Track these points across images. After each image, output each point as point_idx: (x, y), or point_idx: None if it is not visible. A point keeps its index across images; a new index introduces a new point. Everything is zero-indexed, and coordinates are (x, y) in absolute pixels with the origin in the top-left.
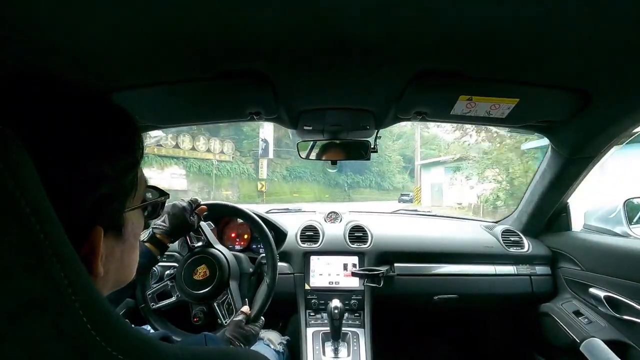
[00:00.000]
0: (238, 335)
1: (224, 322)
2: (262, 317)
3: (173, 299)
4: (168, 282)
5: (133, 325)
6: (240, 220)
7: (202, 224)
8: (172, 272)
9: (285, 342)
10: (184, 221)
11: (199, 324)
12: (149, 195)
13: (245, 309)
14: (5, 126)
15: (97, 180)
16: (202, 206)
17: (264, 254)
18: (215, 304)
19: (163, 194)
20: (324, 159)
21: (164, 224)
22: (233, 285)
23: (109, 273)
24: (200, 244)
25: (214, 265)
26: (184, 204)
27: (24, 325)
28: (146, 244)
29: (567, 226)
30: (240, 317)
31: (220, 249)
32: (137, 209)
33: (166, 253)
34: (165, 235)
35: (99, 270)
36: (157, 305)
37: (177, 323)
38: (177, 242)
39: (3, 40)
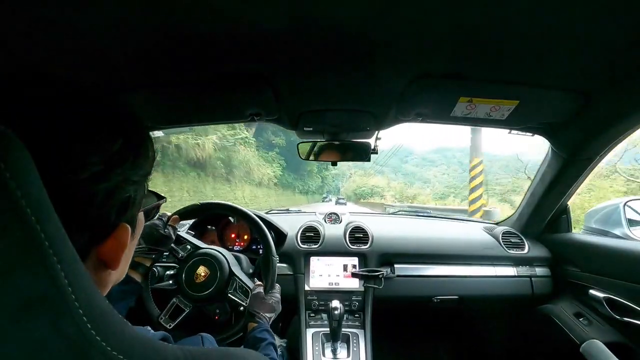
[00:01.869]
0: (263, 306)
1: (245, 303)
2: (277, 284)
3: (186, 311)
4: (175, 299)
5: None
6: (238, 222)
7: (183, 233)
8: (172, 272)
9: (284, 345)
10: (159, 236)
11: (222, 320)
12: (149, 199)
13: (258, 283)
14: (6, 127)
15: (124, 184)
16: (174, 217)
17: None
18: (228, 293)
19: (160, 197)
20: (324, 160)
21: (139, 246)
22: (236, 270)
23: (119, 268)
24: (185, 253)
25: (212, 263)
26: (154, 220)
27: (24, 325)
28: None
29: (567, 228)
30: (258, 290)
31: (210, 247)
32: (143, 211)
33: (165, 254)
34: (143, 255)
35: (120, 263)
36: (175, 324)
37: (191, 325)
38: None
39: (6, 42)
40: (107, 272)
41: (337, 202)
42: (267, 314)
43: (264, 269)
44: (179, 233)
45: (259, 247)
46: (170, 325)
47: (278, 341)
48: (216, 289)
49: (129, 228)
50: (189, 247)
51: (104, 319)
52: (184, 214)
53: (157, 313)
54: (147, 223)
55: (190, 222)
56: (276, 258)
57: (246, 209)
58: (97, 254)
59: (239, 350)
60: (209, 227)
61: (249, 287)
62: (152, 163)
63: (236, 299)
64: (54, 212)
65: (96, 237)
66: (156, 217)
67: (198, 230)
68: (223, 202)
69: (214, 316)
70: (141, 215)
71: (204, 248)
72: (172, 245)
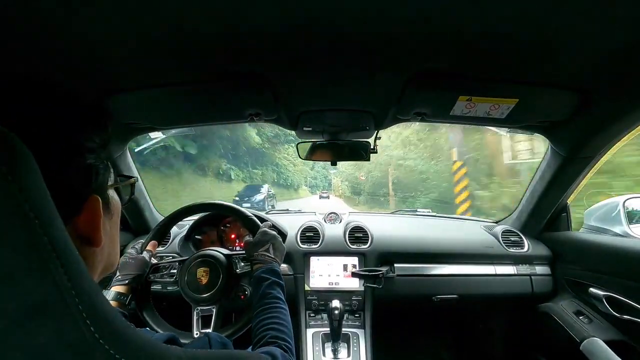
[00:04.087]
0: (255, 247)
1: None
2: (264, 221)
3: (213, 313)
4: (195, 312)
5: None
6: (226, 226)
7: (164, 260)
8: (173, 279)
9: None
10: (137, 261)
11: (248, 298)
12: (120, 180)
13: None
14: (9, 130)
15: (79, 150)
16: (151, 242)
17: None
18: (237, 272)
19: (130, 177)
20: (323, 159)
21: (118, 276)
22: (228, 251)
23: (104, 247)
24: (177, 273)
25: (206, 261)
26: (129, 249)
27: (27, 330)
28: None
29: (567, 226)
30: (246, 238)
31: (197, 251)
32: (114, 187)
33: (165, 254)
34: (122, 284)
35: (101, 237)
36: (212, 329)
37: (226, 318)
38: (177, 243)
39: (4, 44)
40: (92, 251)
41: (320, 197)
42: (262, 251)
43: (245, 224)
44: (161, 262)
45: None
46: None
47: None
48: (224, 276)
49: (99, 198)
50: (174, 271)
51: (107, 322)
52: (163, 226)
53: (188, 333)
54: (122, 258)
55: (189, 223)
56: (247, 212)
57: (222, 202)
58: (74, 228)
59: (243, 353)
60: (208, 227)
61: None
62: (108, 137)
63: (245, 270)
64: (58, 216)
65: (69, 208)
66: (131, 246)
67: (197, 232)
68: (200, 202)
69: (240, 296)
70: (114, 194)
71: (189, 257)
72: (161, 277)
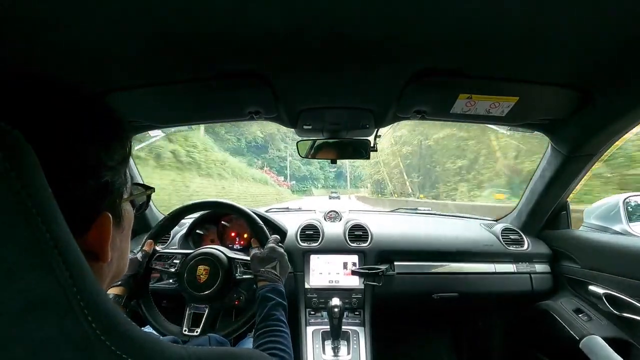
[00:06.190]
0: (261, 262)
1: (251, 275)
2: (271, 236)
3: (205, 313)
4: (188, 308)
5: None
6: (236, 221)
7: (168, 249)
8: (174, 270)
9: None
10: (130, 262)
11: (244, 303)
12: (136, 190)
13: (253, 247)
14: (12, 128)
15: (98, 168)
16: (148, 241)
17: None
18: (236, 277)
19: (148, 188)
20: (323, 158)
21: None
22: (233, 254)
23: (112, 260)
24: (179, 263)
25: (207, 259)
26: None
27: (29, 325)
28: None
29: (567, 224)
30: (254, 252)
31: (200, 248)
32: (130, 200)
33: (164, 252)
34: (116, 285)
35: (108, 254)
36: (201, 329)
37: (218, 320)
38: (177, 240)
39: (3, 40)
40: (99, 265)
41: (330, 197)
42: (268, 268)
43: (254, 233)
44: (165, 250)
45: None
46: (196, 332)
47: None
48: (222, 278)
49: (110, 217)
50: (177, 261)
51: (109, 319)
52: (197, 205)
53: (177, 329)
54: None
55: (190, 222)
56: (257, 219)
57: (232, 202)
58: (82, 243)
59: (244, 351)
60: (209, 224)
61: (248, 260)
62: (129, 151)
63: (244, 277)
64: (60, 213)
65: (79, 225)
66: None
67: (197, 230)
68: (204, 200)
69: (234, 302)
70: (128, 206)
71: (193, 252)
72: (162, 266)
